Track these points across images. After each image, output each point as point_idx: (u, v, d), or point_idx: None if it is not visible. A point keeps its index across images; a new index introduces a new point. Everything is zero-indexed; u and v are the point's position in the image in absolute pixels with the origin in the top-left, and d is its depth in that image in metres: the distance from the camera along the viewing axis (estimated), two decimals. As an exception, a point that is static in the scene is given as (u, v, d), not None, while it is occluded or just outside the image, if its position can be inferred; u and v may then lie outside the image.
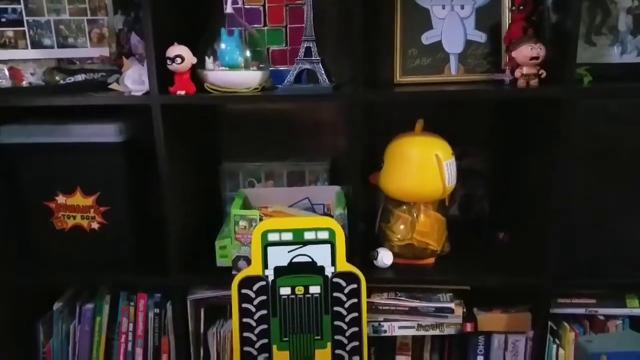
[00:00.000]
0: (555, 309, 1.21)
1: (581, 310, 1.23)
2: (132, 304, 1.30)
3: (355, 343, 1.18)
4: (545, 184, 1.14)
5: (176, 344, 1.28)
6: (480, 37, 1.23)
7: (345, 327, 1.17)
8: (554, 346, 1.21)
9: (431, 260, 1.24)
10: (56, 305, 1.33)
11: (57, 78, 1.24)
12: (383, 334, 1.22)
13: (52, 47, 1.27)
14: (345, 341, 1.18)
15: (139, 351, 1.30)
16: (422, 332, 1.22)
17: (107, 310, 1.31)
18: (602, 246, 1.13)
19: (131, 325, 1.30)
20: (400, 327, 1.22)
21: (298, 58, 1.15)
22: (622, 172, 1.09)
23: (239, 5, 1.30)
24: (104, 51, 1.25)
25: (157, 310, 1.29)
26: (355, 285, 1.16)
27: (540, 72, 1.08)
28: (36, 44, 1.26)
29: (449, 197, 1.22)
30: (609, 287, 1.22)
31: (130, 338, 1.31)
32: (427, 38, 1.24)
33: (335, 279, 1.16)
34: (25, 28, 1.21)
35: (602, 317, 1.23)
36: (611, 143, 1.08)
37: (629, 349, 1.15)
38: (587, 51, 1.20)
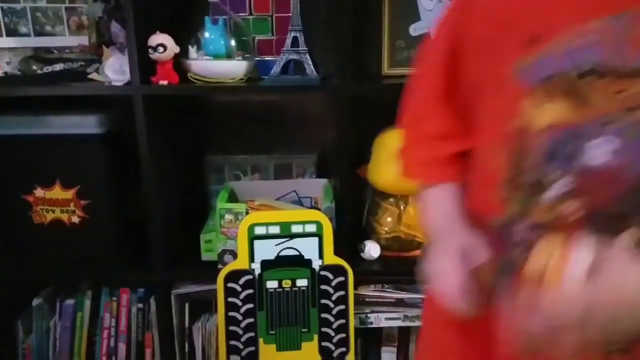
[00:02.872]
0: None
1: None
2: (114, 299, 1.27)
3: (342, 335, 1.18)
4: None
5: (160, 339, 1.26)
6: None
7: (332, 319, 1.17)
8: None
9: (418, 252, 1.24)
10: (36, 301, 1.29)
11: (34, 67, 1.20)
12: (370, 326, 1.22)
13: (28, 35, 1.23)
14: (332, 333, 1.18)
15: (122, 347, 1.28)
16: (408, 323, 1.22)
17: (89, 306, 1.28)
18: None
19: (114, 320, 1.27)
20: (386, 319, 1.22)
21: (284, 48, 1.13)
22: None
23: (224, -7, 1.27)
24: (83, 40, 1.22)
25: (140, 305, 1.27)
26: (342, 278, 1.16)
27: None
28: (12, 32, 1.22)
29: (436, 189, 1.22)
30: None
31: (112, 334, 1.28)
32: (415, 29, 1.23)
33: (322, 272, 1.15)
34: (0, 15, 1.17)
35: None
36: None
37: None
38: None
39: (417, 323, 1.22)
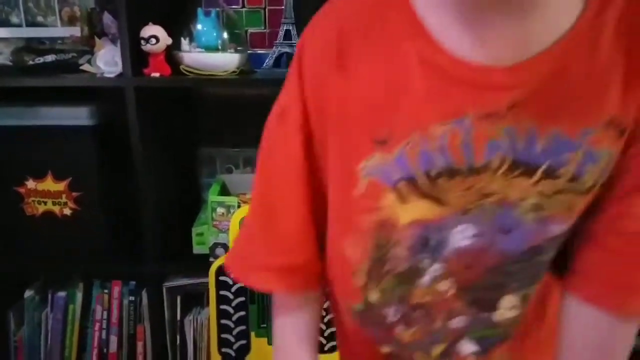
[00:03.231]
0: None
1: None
2: (106, 291, 1.27)
3: (334, 328, 1.17)
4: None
5: (152, 332, 1.26)
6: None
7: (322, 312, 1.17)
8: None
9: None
10: (27, 293, 1.29)
11: (25, 58, 1.19)
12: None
13: (20, 25, 1.22)
14: (324, 327, 1.18)
15: (113, 339, 1.28)
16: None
17: (81, 298, 1.28)
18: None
19: (105, 313, 1.27)
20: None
21: (277, 41, 1.13)
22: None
23: (217, -15, 1.26)
24: (75, 31, 1.21)
25: (132, 298, 1.27)
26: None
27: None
28: (3, 23, 1.21)
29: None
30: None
31: (104, 326, 1.28)
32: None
33: (314, 266, 1.15)
34: (-9, 5, 1.16)
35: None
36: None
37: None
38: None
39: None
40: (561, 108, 0.41)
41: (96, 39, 1.14)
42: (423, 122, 0.42)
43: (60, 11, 1.20)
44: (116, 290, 1.27)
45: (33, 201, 1.20)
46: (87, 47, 1.19)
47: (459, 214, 0.45)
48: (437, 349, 0.52)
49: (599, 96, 0.40)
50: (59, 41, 1.21)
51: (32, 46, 1.20)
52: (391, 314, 0.51)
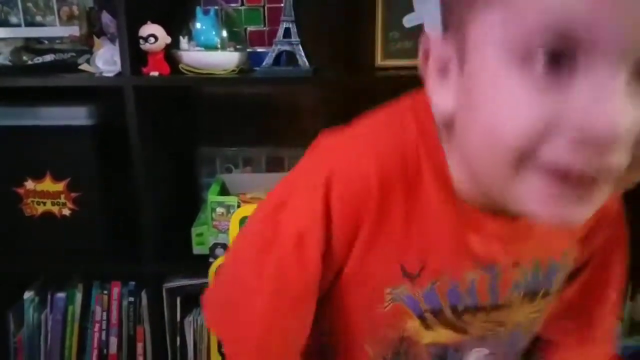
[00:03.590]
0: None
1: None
2: (105, 292, 1.26)
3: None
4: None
5: (152, 333, 1.25)
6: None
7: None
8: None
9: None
10: (27, 294, 1.29)
11: (24, 58, 1.18)
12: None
13: (19, 25, 1.22)
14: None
15: (113, 340, 1.27)
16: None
17: (80, 299, 1.27)
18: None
19: (105, 314, 1.27)
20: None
21: (277, 39, 1.12)
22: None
23: (216, -17, 1.26)
24: (74, 30, 1.20)
25: (131, 299, 1.26)
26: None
27: None
28: (2, 23, 1.21)
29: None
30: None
31: (104, 327, 1.27)
32: (408, 21, 1.21)
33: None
34: (-10, 5, 1.16)
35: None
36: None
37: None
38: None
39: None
40: (551, 240, 0.48)
41: (95, 38, 1.13)
42: (456, 267, 0.46)
43: (59, 10, 1.19)
44: (115, 291, 1.26)
45: (32, 202, 1.19)
46: (86, 47, 1.18)
47: (477, 339, 0.51)
48: None
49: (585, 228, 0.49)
50: (58, 41, 1.20)
51: (31, 46, 1.20)
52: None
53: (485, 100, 0.35)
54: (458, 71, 0.38)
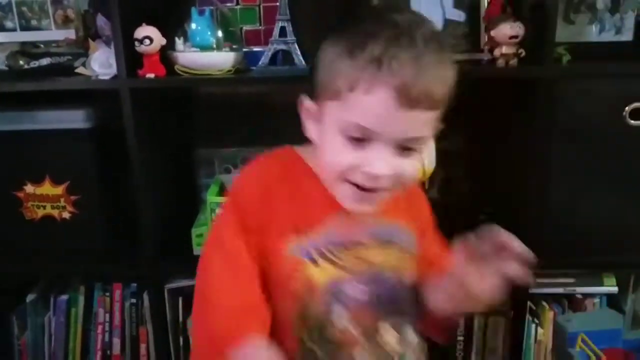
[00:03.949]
0: (534, 289, 1.22)
1: (559, 290, 1.23)
2: (107, 294, 1.27)
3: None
4: (523, 165, 1.14)
5: (154, 334, 1.26)
6: (459, 15, 1.20)
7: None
8: (533, 326, 1.22)
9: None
10: (29, 297, 1.30)
11: (21, 62, 1.19)
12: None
13: (14, 30, 1.22)
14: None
15: (116, 341, 1.28)
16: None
17: (82, 301, 1.28)
18: (579, 226, 1.13)
19: (107, 315, 1.28)
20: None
21: (272, 38, 1.11)
22: (599, 152, 1.09)
23: (211, -17, 1.25)
24: (70, 33, 1.20)
25: (133, 300, 1.27)
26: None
27: (519, 52, 1.07)
28: (-2, 27, 1.21)
29: (428, 180, 1.21)
30: (587, 267, 1.23)
31: (107, 328, 1.28)
32: (405, 17, 1.20)
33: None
34: (-15, 10, 1.16)
35: (580, 296, 1.24)
36: (589, 123, 1.07)
37: (606, 327, 1.17)
38: (566, 30, 1.18)
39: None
40: (395, 215, 0.76)
41: (90, 41, 1.13)
42: (324, 220, 0.72)
43: (54, 14, 1.19)
44: (117, 292, 1.27)
45: (32, 205, 1.20)
46: (81, 50, 1.18)
47: (353, 276, 0.72)
48: None
49: (410, 214, 0.79)
50: (54, 44, 1.20)
51: (27, 50, 1.20)
52: (316, 349, 0.72)
53: (327, 145, 0.68)
54: (319, 123, 0.69)
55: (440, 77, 0.64)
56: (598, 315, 1.23)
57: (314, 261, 0.71)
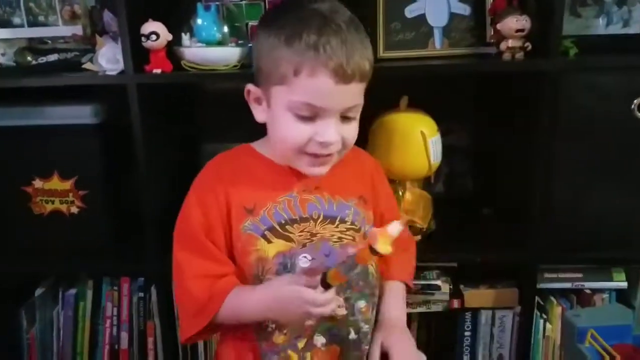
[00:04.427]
0: (542, 284, 1.21)
1: (568, 285, 1.23)
2: (115, 288, 1.28)
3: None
4: (529, 159, 1.13)
5: (162, 328, 1.26)
6: (465, 9, 1.20)
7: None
8: (541, 321, 1.21)
9: (417, 237, 1.23)
10: (38, 291, 1.31)
11: (28, 58, 1.20)
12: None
13: (22, 26, 1.23)
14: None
15: (124, 335, 1.29)
16: (409, 310, 1.21)
17: (91, 296, 1.29)
18: (586, 221, 1.12)
19: (115, 309, 1.28)
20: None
21: (278, 33, 1.12)
22: (606, 146, 1.08)
23: (216, -21, 1.25)
24: (77, 29, 1.21)
25: (141, 294, 1.28)
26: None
27: (526, 45, 1.06)
28: (5, 24, 1.22)
29: (434, 174, 1.21)
30: (594, 262, 1.22)
31: (115, 323, 1.29)
32: (410, 11, 1.20)
33: (320, 259, 1.16)
34: (-7, 7, 1.17)
35: (588, 291, 1.23)
36: (596, 116, 1.07)
37: (616, 322, 1.15)
38: (573, 23, 1.17)
39: (418, 310, 1.23)
40: (340, 188, 0.90)
41: (97, 37, 1.14)
42: (274, 197, 0.86)
43: (61, 10, 1.20)
44: (125, 287, 1.28)
45: (41, 200, 1.21)
46: (89, 46, 1.19)
47: (300, 247, 0.84)
48: (301, 344, 0.85)
49: (356, 186, 0.93)
50: (61, 40, 1.21)
51: (35, 46, 1.21)
52: (269, 323, 0.85)
53: (279, 124, 0.82)
54: (266, 106, 0.83)
55: (365, 53, 0.78)
56: (607, 310, 1.22)
57: (266, 237, 0.84)
